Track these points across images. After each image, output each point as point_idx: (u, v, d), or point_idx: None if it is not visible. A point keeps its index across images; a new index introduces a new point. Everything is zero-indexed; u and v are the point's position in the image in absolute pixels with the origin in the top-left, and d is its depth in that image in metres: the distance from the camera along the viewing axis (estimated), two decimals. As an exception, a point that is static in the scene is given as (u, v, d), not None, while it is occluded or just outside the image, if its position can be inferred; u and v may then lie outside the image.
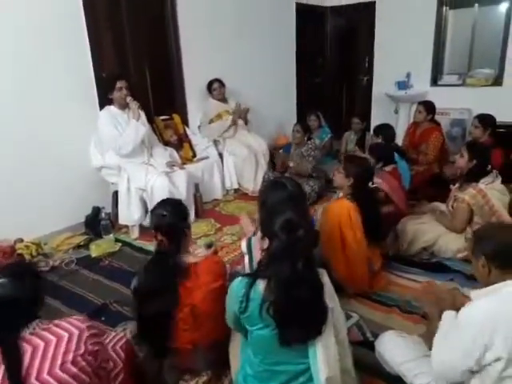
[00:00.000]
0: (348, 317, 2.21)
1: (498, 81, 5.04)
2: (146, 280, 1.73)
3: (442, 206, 3.10)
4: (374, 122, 5.57)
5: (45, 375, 1.21)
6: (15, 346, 1.22)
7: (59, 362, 1.23)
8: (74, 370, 1.25)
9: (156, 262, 1.77)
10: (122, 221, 3.51)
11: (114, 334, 1.81)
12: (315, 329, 1.42)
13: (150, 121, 3.89)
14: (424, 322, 2.12)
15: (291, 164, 4.14)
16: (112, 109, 3.47)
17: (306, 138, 4.20)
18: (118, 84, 3.40)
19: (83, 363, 1.27)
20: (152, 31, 4.10)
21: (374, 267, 2.52)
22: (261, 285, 1.43)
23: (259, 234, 1.66)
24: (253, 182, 4.37)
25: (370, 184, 2.49)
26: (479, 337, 1.32)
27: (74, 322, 1.33)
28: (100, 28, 3.63)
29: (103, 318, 2.37)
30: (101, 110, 3.50)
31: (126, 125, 3.43)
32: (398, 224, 2.93)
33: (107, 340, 1.71)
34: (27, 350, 1.22)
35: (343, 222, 2.31)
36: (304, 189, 3.86)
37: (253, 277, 1.48)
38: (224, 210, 4.04)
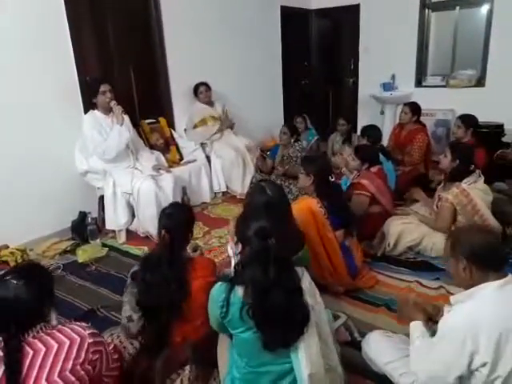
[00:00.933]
0: (336, 317, 2.22)
1: (480, 82, 5.13)
2: (152, 268, 1.74)
3: (421, 209, 3.14)
4: (361, 123, 5.62)
5: (43, 381, 1.22)
6: (18, 349, 1.22)
7: (58, 369, 1.24)
8: (72, 378, 1.26)
9: (163, 253, 1.79)
10: (108, 225, 3.49)
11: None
12: (296, 331, 1.43)
13: (136, 124, 3.87)
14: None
15: (279, 168, 4.16)
16: (96, 113, 3.43)
17: (293, 140, 4.23)
18: (102, 88, 3.36)
19: (82, 372, 1.28)
20: (136, 34, 4.08)
21: (356, 263, 2.56)
22: (240, 289, 1.45)
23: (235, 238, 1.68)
24: (241, 185, 4.37)
25: (330, 178, 2.58)
26: (464, 345, 1.33)
27: (77, 328, 1.34)
28: (83, 31, 3.60)
29: (90, 324, 2.34)
30: (85, 114, 3.47)
31: (110, 130, 3.39)
32: (384, 224, 2.96)
33: None
34: (28, 353, 1.23)
35: (304, 219, 2.35)
36: (292, 190, 3.91)
37: (231, 282, 1.49)
38: (212, 213, 4.03)
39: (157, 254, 1.82)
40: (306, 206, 2.40)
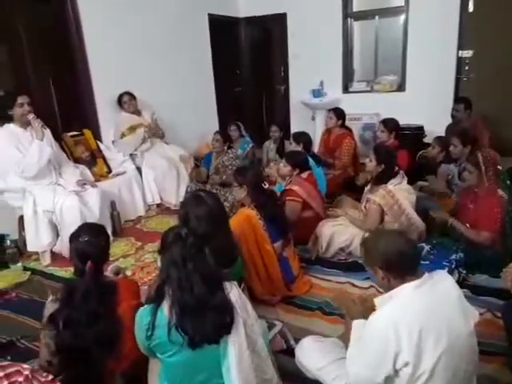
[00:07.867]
0: (272, 326, 2.20)
1: (401, 86, 5.43)
2: (77, 305, 1.60)
3: (355, 212, 3.22)
4: (294, 129, 5.71)
5: None
6: None
7: None
8: None
9: (90, 286, 1.64)
10: (30, 247, 3.24)
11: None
12: (224, 329, 1.42)
13: (58, 138, 3.65)
14: (343, 322, 2.17)
15: (215, 177, 4.12)
16: (12, 127, 3.19)
17: (226, 148, 4.21)
18: (19, 100, 3.13)
19: None
20: (55, 45, 3.87)
21: (293, 272, 2.56)
22: (165, 309, 1.40)
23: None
24: (175, 196, 4.26)
25: (263, 186, 2.56)
26: (388, 347, 1.35)
27: None
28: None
29: (9, 358, 2.12)
30: (-1, 128, 3.21)
31: (29, 145, 3.16)
32: (317, 228, 3.00)
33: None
34: None
35: (243, 231, 2.34)
36: (228, 199, 3.87)
37: (156, 303, 1.43)
38: (146, 227, 3.89)
39: (82, 287, 1.63)
40: (245, 218, 2.40)
